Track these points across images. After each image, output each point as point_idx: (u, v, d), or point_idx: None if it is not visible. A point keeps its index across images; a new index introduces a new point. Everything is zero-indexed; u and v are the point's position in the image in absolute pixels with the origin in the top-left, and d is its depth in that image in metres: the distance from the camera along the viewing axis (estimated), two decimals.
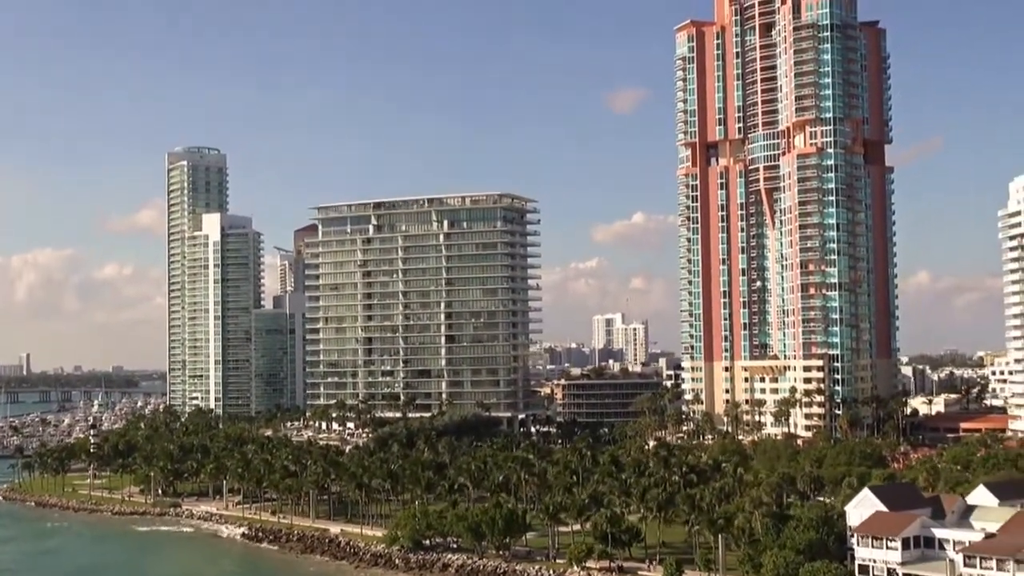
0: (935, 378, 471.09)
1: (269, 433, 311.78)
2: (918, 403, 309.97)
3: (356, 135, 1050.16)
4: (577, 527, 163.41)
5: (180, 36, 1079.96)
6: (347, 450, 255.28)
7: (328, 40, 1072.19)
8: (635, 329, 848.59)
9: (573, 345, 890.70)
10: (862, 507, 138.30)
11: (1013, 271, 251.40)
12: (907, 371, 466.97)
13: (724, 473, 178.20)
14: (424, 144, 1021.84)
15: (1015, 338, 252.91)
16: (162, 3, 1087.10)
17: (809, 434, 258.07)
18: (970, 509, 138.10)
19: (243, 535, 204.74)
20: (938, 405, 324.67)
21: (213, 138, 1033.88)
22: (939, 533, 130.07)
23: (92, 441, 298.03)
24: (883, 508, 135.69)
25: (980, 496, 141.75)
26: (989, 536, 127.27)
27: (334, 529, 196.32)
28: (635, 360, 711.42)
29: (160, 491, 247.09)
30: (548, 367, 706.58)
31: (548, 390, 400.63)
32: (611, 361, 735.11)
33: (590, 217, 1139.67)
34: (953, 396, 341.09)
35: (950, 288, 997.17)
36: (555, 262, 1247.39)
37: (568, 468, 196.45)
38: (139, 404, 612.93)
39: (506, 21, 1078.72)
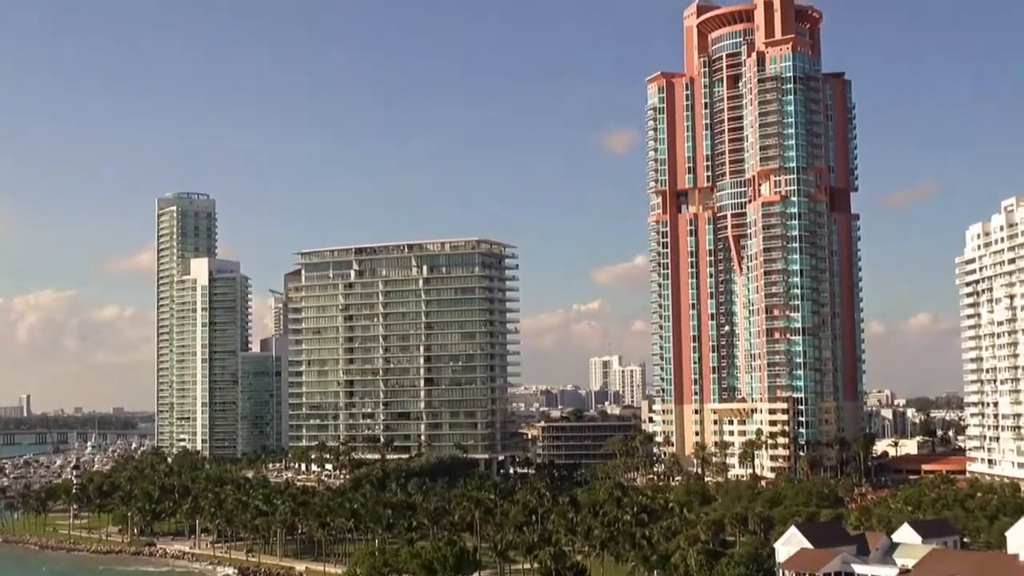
0: (916, 420, 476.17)
1: (250, 474, 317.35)
2: (885, 445, 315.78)
3: (348, 180, 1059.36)
4: (528, 565, 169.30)
5: (177, 79, 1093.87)
6: (320, 491, 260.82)
7: (317, 83, 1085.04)
8: (632, 371, 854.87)
9: (569, 387, 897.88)
10: (789, 544, 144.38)
11: (969, 316, 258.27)
12: (887, 413, 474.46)
13: (672, 512, 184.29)
14: (423, 186, 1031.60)
15: (971, 382, 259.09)
16: (160, 51, 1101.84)
17: (773, 475, 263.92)
18: (894, 546, 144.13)
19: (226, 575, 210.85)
20: (909, 447, 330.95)
21: (209, 182, 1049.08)
22: (859, 569, 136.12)
23: (74, 482, 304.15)
24: (808, 545, 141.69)
25: (905, 534, 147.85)
26: (905, 572, 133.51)
27: (299, 567, 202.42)
28: (633, 402, 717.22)
29: (137, 531, 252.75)
30: (542, 409, 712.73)
31: (534, 432, 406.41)
32: (607, 403, 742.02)
33: (592, 259, 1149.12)
34: (927, 438, 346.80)
35: (951, 330, 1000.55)
36: (557, 304, 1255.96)
37: (527, 508, 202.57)
38: (133, 446, 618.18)
39: (497, 64, 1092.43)
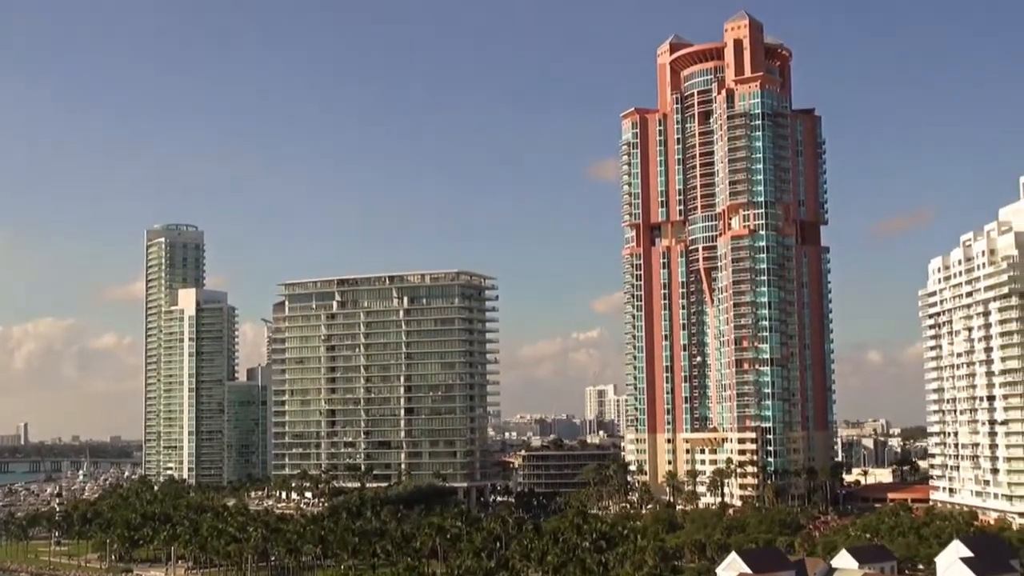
0: (898, 449, 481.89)
1: (232, 502, 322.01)
2: (856, 474, 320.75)
3: (343, 210, 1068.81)
4: None
5: (173, 110, 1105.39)
6: (295, 518, 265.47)
7: (305, 112, 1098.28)
8: (627, 400, 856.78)
9: (564, 416, 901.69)
10: (730, 569, 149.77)
11: (932, 348, 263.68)
12: (869, 443, 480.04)
13: (627, 539, 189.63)
14: (417, 216, 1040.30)
15: (933, 412, 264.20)
16: (160, 81, 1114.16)
17: (741, 503, 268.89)
18: (832, 571, 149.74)
19: None
20: (882, 476, 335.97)
21: (205, 209, 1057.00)
22: None
23: (57, 510, 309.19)
24: (747, 570, 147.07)
25: (843, 559, 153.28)
26: None
27: None
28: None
29: (116, 557, 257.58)
30: (534, 437, 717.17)
31: (518, 460, 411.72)
32: (592, 433, 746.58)
33: (591, 288, 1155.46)
34: (897, 467, 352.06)
35: None
36: (556, 332, 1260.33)
37: (491, 535, 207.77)
38: (126, 474, 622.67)
39: (485, 95, 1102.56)
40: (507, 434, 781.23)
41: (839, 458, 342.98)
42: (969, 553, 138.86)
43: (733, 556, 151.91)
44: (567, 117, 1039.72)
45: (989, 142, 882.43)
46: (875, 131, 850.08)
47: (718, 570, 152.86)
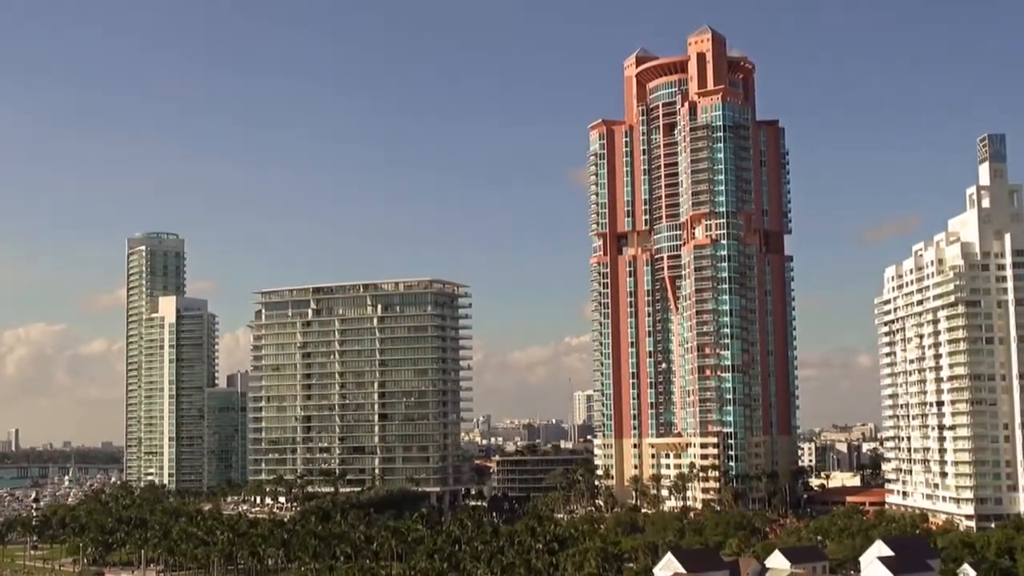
0: (871, 454, 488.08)
1: (208, 507, 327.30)
2: (822, 478, 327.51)
3: (330, 220, 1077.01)
4: None
5: (167, 120, 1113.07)
6: (264, 522, 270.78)
7: (286, 122, 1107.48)
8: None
9: (552, 421, 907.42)
10: (666, 569, 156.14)
11: (887, 355, 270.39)
12: (843, 448, 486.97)
13: (578, 542, 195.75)
14: (411, 224, 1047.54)
15: (888, 417, 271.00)
16: (152, 93, 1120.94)
17: (702, 507, 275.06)
18: (764, 571, 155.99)
19: None
20: (846, 480, 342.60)
21: (196, 217, 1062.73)
22: None
23: (34, 514, 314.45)
24: (682, 570, 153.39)
25: (775, 560, 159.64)
26: None
27: None
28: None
29: (89, 561, 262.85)
30: (522, 443, 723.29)
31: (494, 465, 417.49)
32: (588, 436, 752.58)
33: (583, 292, 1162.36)
34: (858, 472, 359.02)
35: None
36: (549, 337, 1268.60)
37: (451, 537, 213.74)
38: (112, 480, 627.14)
39: (470, 104, 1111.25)
40: (493, 439, 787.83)
41: (811, 462, 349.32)
42: (889, 552, 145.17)
43: (669, 556, 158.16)
44: (556, 125, 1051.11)
45: (964, 149, 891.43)
46: (869, 140, 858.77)
47: (655, 570, 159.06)
